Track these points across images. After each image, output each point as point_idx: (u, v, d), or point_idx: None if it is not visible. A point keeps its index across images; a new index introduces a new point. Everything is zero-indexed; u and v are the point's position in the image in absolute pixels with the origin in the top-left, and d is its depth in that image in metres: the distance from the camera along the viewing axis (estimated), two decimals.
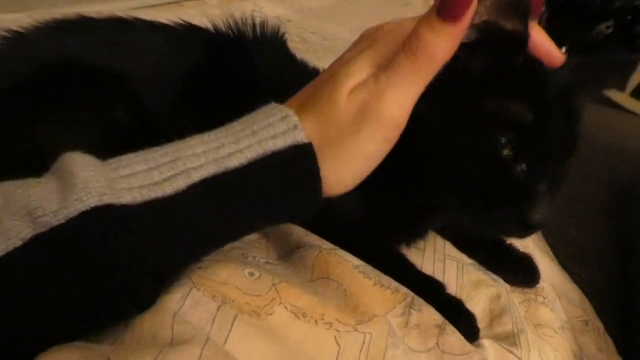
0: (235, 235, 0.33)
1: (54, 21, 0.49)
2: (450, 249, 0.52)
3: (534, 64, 0.37)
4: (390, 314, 0.39)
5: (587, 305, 0.64)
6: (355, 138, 0.29)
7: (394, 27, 0.33)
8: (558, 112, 0.38)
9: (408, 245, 0.50)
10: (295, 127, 0.29)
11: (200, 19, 1.19)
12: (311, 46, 1.10)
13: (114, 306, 0.29)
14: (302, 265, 0.42)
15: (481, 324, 0.44)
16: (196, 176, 0.27)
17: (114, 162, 0.28)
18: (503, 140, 0.36)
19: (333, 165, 0.30)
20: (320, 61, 0.55)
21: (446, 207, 0.42)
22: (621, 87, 2.55)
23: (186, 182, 0.27)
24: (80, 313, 0.28)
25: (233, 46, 0.53)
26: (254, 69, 0.52)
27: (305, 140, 0.29)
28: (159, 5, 1.16)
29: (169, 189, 0.26)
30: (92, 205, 0.24)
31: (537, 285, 0.52)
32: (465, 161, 0.38)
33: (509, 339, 0.43)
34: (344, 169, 0.30)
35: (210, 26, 0.56)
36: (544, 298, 0.50)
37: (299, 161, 0.29)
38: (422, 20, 0.29)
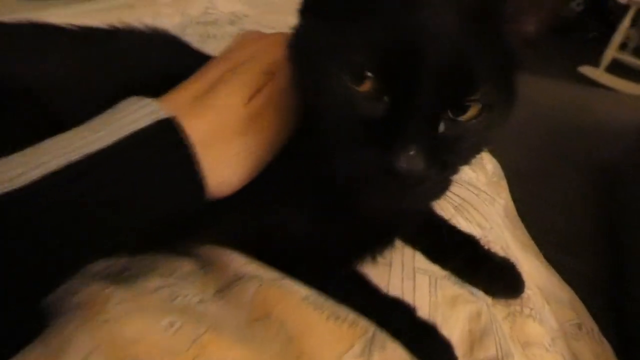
0: (117, 224, 0.30)
1: None
2: (420, 260, 0.45)
3: None
4: (347, 356, 0.32)
5: (578, 304, 0.59)
6: (248, 141, 0.34)
7: (275, 38, 0.38)
8: (442, 37, 0.29)
9: (374, 257, 0.43)
10: (156, 110, 0.31)
11: (151, 19, 1.12)
12: None
13: None
14: (239, 302, 0.35)
15: (459, 349, 0.38)
16: (53, 166, 0.27)
17: None
18: (345, 77, 0.29)
19: (220, 163, 0.32)
20: None
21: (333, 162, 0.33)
22: (595, 63, 2.53)
23: (40, 173, 0.27)
24: None
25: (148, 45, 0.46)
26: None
27: (166, 115, 0.30)
28: (109, 8, 1.09)
29: (22, 181, 0.26)
30: None
31: (522, 295, 0.45)
32: (328, 103, 0.31)
33: None
34: (230, 168, 0.33)
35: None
36: (531, 309, 0.44)
37: (163, 134, 0.30)
38: None
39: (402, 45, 0.28)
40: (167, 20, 1.11)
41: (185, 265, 0.40)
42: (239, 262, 0.38)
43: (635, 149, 0.90)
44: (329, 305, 0.35)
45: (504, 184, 0.76)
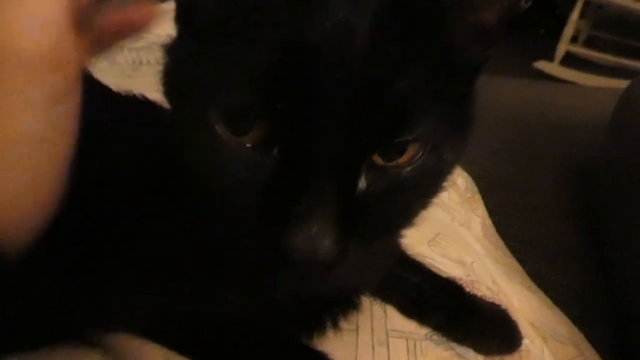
0: None
1: None
2: (394, 319, 0.36)
3: None
4: None
5: (577, 336, 0.51)
6: None
7: None
8: (352, 50, 0.20)
9: (335, 323, 0.34)
10: None
11: None
12: None
13: None
14: None
15: None
16: None
17: None
18: (217, 125, 0.21)
19: None
20: None
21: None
22: (548, 58, 2.55)
23: None
24: None
25: None
26: None
27: None
28: None
29: None
30: None
31: (520, 348, 0.37)
32: (201, 163, 0.23)
33: None
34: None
35: None
36: None
37: None
38: None
39: (294, 66, 0.19)
40: None
41: None
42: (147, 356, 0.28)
43: (607, 146, 0.85)
44: None
45: (478, 197, 0.69)
